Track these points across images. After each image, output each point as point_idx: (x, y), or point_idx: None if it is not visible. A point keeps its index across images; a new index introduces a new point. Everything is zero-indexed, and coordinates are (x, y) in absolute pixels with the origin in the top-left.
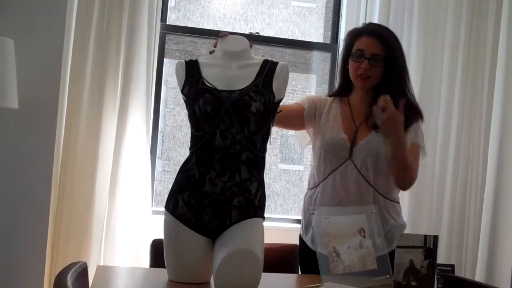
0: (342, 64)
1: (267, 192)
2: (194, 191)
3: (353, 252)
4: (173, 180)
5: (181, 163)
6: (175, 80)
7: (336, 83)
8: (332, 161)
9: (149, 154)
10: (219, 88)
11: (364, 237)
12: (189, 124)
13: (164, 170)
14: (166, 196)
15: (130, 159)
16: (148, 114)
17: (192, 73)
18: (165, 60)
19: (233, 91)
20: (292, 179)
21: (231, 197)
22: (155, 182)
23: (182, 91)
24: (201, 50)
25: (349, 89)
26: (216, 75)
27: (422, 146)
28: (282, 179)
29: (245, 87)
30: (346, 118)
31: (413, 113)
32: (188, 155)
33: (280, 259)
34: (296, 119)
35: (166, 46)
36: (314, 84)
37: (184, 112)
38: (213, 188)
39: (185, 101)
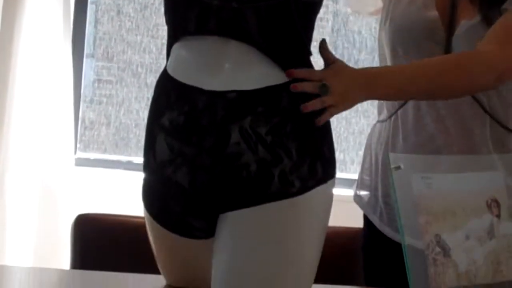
0: None
1: None
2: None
3: (476, 247)
4: None
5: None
6: None
7: None
8: None
9: (70, 48)
10: None
11: (498, 216)
12: None
13: (99, 80)
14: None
15: (31, 53)
16: None
17: None
18: None
19: None
20: None
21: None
22: (81, 104)
23: None
24: None
25: None
26: None
27: None
28: None
29: None
30: None
31: None
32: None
33: (333, 256)
34: None
35: None
36: None
37: None
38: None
39: None
